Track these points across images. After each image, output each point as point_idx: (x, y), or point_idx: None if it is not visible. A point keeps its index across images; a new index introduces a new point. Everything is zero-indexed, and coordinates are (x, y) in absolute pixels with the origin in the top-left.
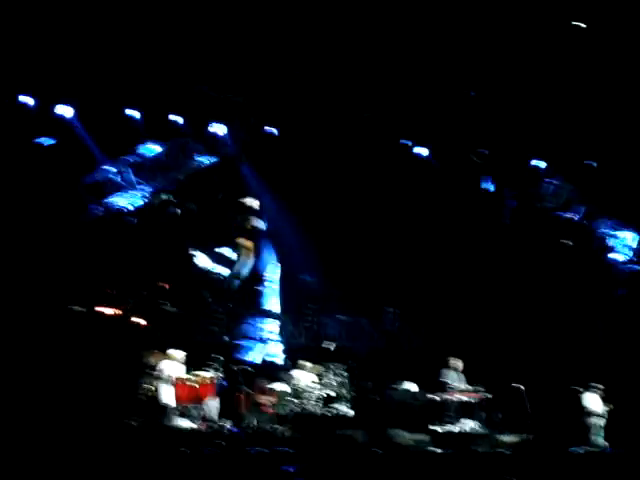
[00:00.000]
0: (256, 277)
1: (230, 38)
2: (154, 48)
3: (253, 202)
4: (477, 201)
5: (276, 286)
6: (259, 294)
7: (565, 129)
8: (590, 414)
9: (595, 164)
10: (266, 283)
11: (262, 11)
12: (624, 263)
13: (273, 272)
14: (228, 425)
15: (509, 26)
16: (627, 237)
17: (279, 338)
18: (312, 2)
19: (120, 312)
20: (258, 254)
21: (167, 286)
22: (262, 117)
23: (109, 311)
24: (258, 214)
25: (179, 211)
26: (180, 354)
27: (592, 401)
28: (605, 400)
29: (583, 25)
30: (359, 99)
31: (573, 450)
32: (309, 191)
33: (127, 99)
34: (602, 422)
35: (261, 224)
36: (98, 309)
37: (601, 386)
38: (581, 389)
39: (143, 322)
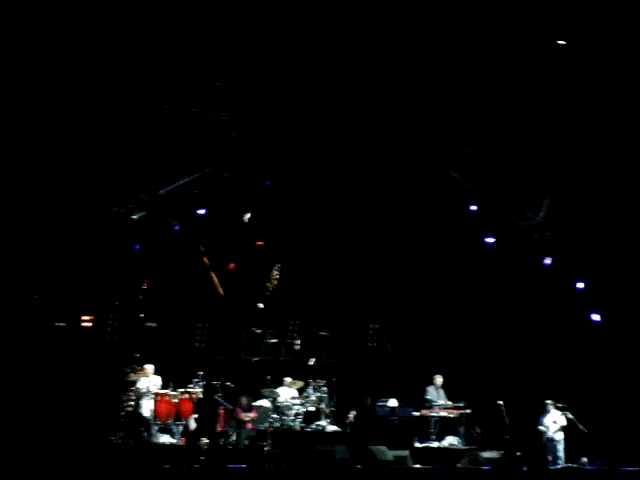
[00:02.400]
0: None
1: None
2: (137, 63)
3: (247, 217)
4: (459, 219)
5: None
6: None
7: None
8: (552, 430)
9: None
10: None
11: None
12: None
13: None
14: (208, 441)
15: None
16: None
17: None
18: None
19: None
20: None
21: (141, 297)
22: (245, 133)
23: (90, 326)
24: (257, 230)
25: (175, 223)
26: (151, 367)
27: (555, 418)
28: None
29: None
30: (341, 116)
31: (552, 467)
32: (291, 206)
33: (109, 115)
34: (561, 437)
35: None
36: (80, 324)
37: (561, 404)
38: (548, 404)
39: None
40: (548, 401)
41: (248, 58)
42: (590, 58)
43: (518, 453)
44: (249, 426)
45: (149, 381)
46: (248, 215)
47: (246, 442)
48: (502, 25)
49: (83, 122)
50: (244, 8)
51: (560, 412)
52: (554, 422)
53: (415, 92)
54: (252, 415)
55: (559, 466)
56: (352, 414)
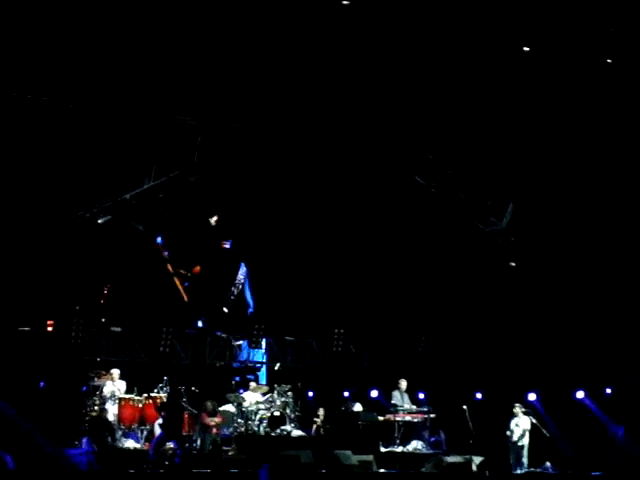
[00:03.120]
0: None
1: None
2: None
3: (214, 219)
4: (423, 222)
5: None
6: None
7: (509, 150)
8: (517, 435)
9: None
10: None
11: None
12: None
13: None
14: (173, 445)
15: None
16: None
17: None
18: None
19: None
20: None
21: (103, 301)
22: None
23: (53, 330)
24: (224, 233)
25: (141, 227)
26: (117, 371)
27: (520, 422)
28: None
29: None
30: (305, 120)
31: (515, 472)
32: (256, 210)
33: (76, 118)
34: (526, 442)
35: (228, 243)
36: (45, 329)
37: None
38: (515, 409)
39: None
40: (517, 404)
41: (214, 63)
42: (552, 63)
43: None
44: (214, 431)
45: (114, 385)
46: (215, 218)
47: (211, 447)
48: (466, 30)
49: (49, 125)
50: (211, 14)
51: (525, 416)
52: (517, 425)
53: (379, 97)
54: (217, 420)
55: (523, 470)
56: (320, 413)
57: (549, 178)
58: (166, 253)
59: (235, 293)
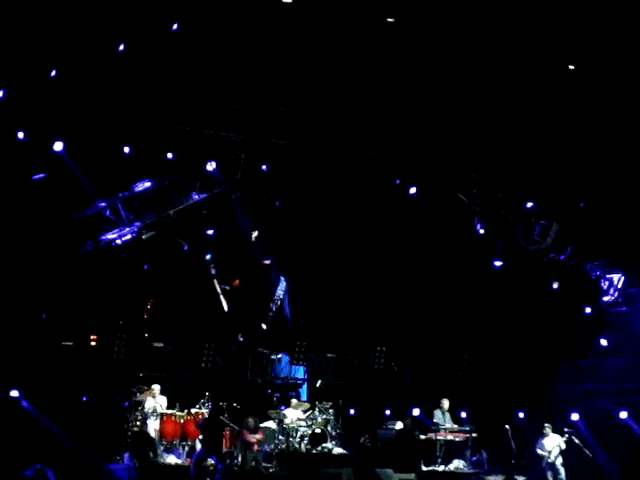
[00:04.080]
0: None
1: (221, 75)
2: (149, 84)
3: (254, 235)
4: (466, 241)
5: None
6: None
7: (555, 170)
8: (553, 455)
9: (583, 205)
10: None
11: (253, 47)
12: (611, 304)
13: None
14: (214, 462)
15: (498, 67)
16: (614, 278)
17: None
18: (306, 39)
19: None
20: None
21: (146, 317)
22: (254, 154)
23: (96, 345)
24: (264, 248)
25: (185, 244)
26: (158, 387)
27: (552, 441)
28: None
29: (572, 67)
30: (352, 138)
31: None
32: (299, 227)
33: (119, 134)
34: (560, 460)
35: (269, 259)
36: (87, 343)
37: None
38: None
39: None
40: (546, 425)
41: (258, 80)
42: (599, 81)
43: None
44: (255, 447)
45: (155, 401)
46: (255, 233)
47: (252, 463)
48: (511, 51)
49: (95, 140)
50: (256, 31)
51: (561, 436)
52: (556, 446)
53: (423, 115)
54: (258, 436)
55: None
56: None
57: (592, 196)
58: (213, 271)
59: (274, 309)
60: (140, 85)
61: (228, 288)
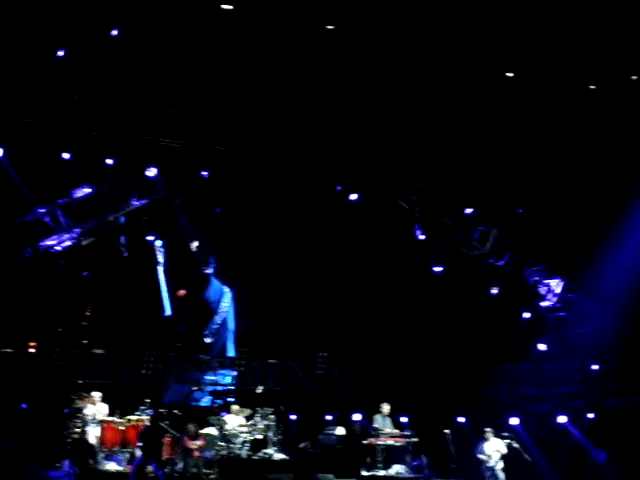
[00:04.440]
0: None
1: (163, 82)
2: (89, 90)
3: (195, 245)
4: (407, 247)
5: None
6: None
7: (493, 176)
8: (493, 459)
9: (522, 211)
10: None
11: (194, 53)
12: (550, 310)
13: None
14: (154, 469)
15: (437, 74)
16: (553, 284)
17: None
18: (247, 45)
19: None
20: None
21: (85, 323)
22: (194, 160)
23: (35, 352)
24: (204, 257)
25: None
26: (100, 394)
27: (492, 446)
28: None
29: (511, 74)
30: (292, 144)
31: None
32: (240, 233)
33: (59, 140)
34: (501, 466)
35: (210, 268)
36: (26, 350)
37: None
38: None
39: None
40: (487, 429)
41: (199, 86)
42: (536, 86)
43: None
44: (196, 454)
45: (96, 408)
46: (196, 243)
47: (193, 470)
48: (449, 56)
49: (34, 146)
50: (196, 36)
51: (502, 440)
52: (496, 451)
53: (364, 121)
54: (199, 443)
55: None
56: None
57: (532, 202)
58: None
59: (219, 322)
60: (80, 91)
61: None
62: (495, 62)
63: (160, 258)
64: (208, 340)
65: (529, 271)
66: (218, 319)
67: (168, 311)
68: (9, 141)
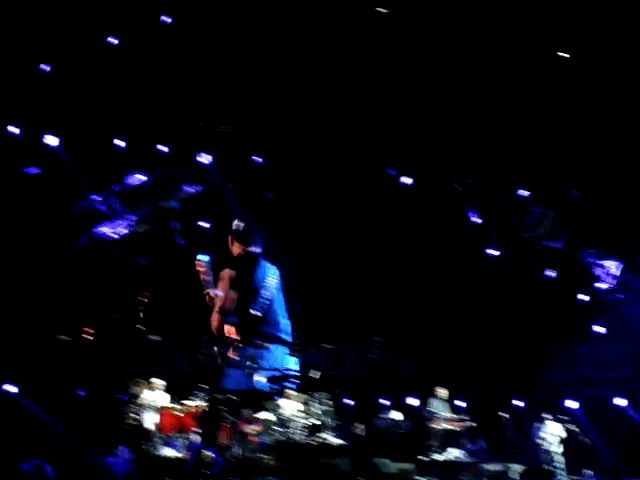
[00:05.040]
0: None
1: (212, 67)
2: (141, 76)
3: (240, 225)
4: (462, 231)
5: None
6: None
7: (549, 157)
8: (550, 443)
9: (579, 193)
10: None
11: (246, 39)
12: (608, 292)
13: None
14: (212, 454)
15: (490, 54)
16: (611, 266)
17: (266, 365)
18: (300, 31)
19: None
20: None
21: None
22: (247, 146)
23: (92, 339)
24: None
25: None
26: (163, 383)
27: (551, 430)
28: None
29: (567, 55)
30: (345, 128)
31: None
32: (294, 220)
33: (113, 128)
34: (560, 450)
35: (257, 248)
36: (84, 337)
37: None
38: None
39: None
40: (545, 414)
41: (251, 71)
42: (594, 67)
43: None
44: (254, 440)
45: (155, 395)
46: (241, 223)
47: (250, 455)
48: (500, 36)
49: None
50: (249, 21)
51: (560, 424)
52: (554, 435)
53: (418, 104)
54: (257, 428)
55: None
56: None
57: (588, 184)
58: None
59: (267, 297)
60: (132, 78)
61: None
62: (550, 41)
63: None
64: (256, 313)
65: (586, 253)
66: (266, 293)
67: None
68: (64, 129)
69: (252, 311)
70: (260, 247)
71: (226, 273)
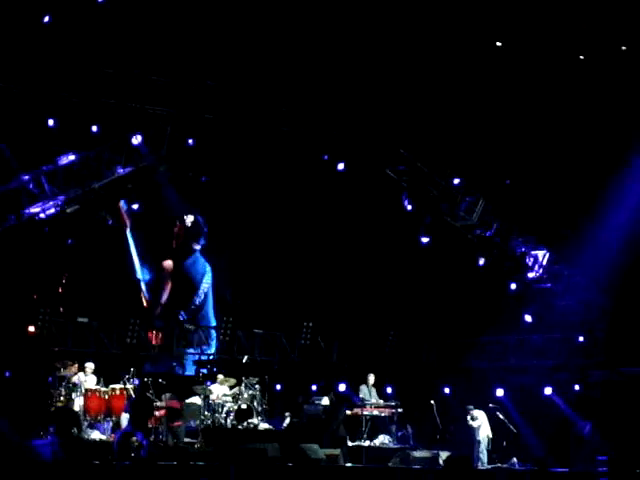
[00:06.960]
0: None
1: (149, 48)
2: (74, 56)
3: (189, 219)
4: (394, 217)
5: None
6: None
7: (482, 146)
8: (477, 430)
9: (509, 181)
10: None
11: (179, 19)
12: (536, 281)
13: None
14: (139, 437)
15: (425, 43)
16: (539, 254)
17: (193, 350)
18: (234, 11)
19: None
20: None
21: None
22: (180, 127)
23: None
24: (197, 232)
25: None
26: (91, 365)
27: (480, 417)
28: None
29: (499, 43)
30: (279, 113)
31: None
32: (226, 202)
33: (43, 107)
34: (487, 437)
35: (200, 243)
36: (10, 319)
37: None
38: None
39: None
40: (469, 406)
41: (184, 52)
42: (524, 56)
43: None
44: (180, 423)
45: (82, 377)
46: (191, 218)
47: (177, 440)
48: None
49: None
50: (182, 2)
51: (480, 411)
52: (480, 422)
53: (352, 90)
54: (184, 412)
55: (484, 467)
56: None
57: (520, 173)
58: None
59: (197, 303)
60: (65, 57)
61: None
62: (484, 31)
63: (126, 220)
64: (183, 319)
65: (516, 242)
66: (197, 300)
67: (139, 274)
68: None
69: (180, 317)
70: (202, 244)
71: (167, 264)
